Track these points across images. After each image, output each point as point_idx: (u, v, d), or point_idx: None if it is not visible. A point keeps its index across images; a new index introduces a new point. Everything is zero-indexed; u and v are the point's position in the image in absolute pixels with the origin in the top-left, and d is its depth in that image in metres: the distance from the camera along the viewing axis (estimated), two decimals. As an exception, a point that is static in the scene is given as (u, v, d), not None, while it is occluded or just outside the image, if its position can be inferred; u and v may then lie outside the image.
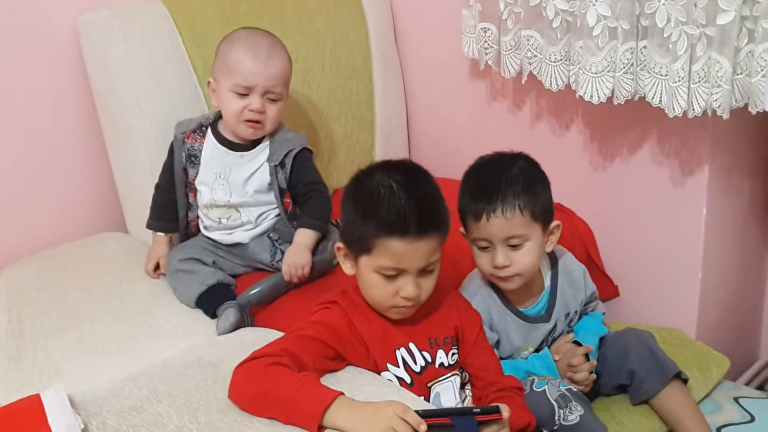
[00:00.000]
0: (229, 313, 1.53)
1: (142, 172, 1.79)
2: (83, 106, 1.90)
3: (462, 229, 1.46)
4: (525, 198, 1.38)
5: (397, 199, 1.22)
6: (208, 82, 1.68)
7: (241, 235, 1.67)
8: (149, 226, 1.75)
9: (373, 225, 1.23)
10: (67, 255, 1.81)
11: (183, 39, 1.80)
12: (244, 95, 1.61)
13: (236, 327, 1.52)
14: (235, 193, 1.65)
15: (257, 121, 1.63)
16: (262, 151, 1.67)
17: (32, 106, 1.87)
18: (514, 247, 1.40)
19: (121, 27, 1.76)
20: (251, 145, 1.67)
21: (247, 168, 1.65)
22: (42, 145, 1.91)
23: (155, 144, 1.76)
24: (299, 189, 1.67)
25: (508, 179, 1.39)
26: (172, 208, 1.72)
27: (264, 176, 1.66)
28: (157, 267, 1.72)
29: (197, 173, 1.68)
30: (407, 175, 1.27)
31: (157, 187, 1.74)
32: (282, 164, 1.65)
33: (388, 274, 1.24)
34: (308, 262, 1.61)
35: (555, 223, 1.45)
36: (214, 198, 1.66)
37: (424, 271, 1.26)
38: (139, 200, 1.83)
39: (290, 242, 1.66)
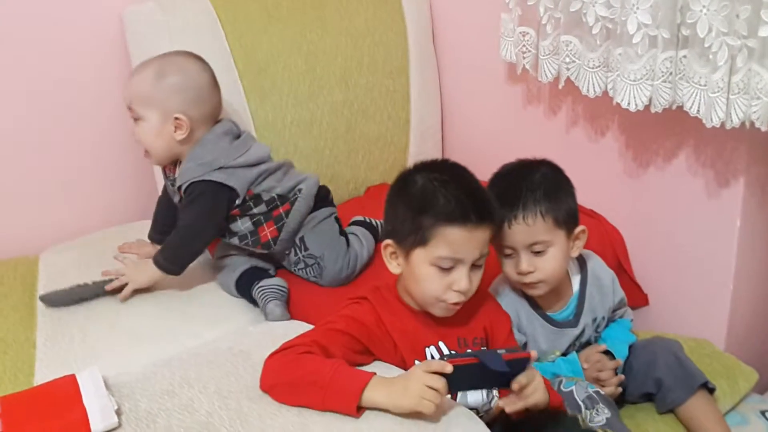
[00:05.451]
0: (277, 305, 1.57)
1: (181, 163, 1.82)
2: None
3: None
4: (546, 204, 1.38)
5: (452, 189, 1.25)
6: None
7: None
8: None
9: (432, 215, 1.24)
10: (105, 241, 1.84)
11: (226, 34, 1.83)
12: None
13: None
14: None
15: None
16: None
17: (77, 96, 1.91)
18: (537, 253, 1.40)
19: (165, 19, 1.79)
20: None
21: None
22: (84, 133, 1.94)
23: (194, 136, 1.79)
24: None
25: (529, 186, 1.40)
26: (167, 219, 1.73)
27: None
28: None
29: None
30: (451, 171, 1.30)
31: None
32: (181, 200, 1.63)
33: (444, 265, 1.25)
34: (140, 285, 1.60)
35: (580, 228, 1.44)
36: None
37: (474, 266, 1.28)
38: (177, 190, 1.86)
39: (314, 234, 1.67)
